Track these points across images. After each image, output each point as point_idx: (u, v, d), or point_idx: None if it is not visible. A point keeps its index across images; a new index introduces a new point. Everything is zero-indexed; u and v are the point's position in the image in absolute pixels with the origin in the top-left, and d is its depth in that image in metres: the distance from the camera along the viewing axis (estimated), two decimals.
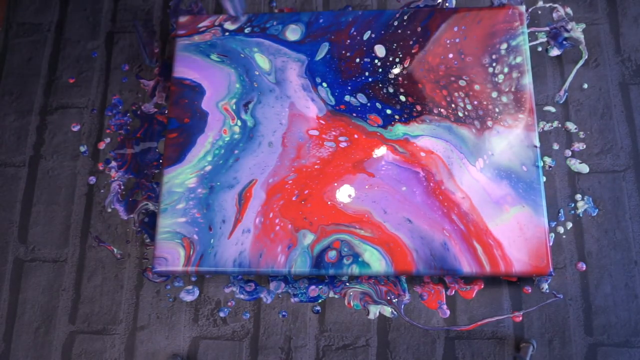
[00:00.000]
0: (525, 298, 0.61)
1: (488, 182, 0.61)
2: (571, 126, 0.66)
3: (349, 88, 0.66)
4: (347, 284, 0.62)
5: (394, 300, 0.61)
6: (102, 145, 0.70)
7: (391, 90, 0.65)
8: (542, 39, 0.70)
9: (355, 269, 0.59)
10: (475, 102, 0.64)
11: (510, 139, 0.62)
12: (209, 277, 0.64)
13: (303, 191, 0.62)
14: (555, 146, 0.66)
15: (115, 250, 0.66)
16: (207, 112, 0.66)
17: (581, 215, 0.63)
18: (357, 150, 0.63)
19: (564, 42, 0.69)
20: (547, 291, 0.61)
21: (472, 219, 0.60)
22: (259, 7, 0.74)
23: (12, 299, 0.65)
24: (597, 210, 0.63)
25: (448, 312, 0.61)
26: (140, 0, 0.76)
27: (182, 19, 0.70)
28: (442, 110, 0.64)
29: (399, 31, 0.67)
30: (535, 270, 0.58)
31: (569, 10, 0.70)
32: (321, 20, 0.69)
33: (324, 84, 0.66)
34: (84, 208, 0.67)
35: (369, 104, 0.65)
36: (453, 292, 0.61)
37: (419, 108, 0.64)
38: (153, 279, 0.64)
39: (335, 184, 0.62)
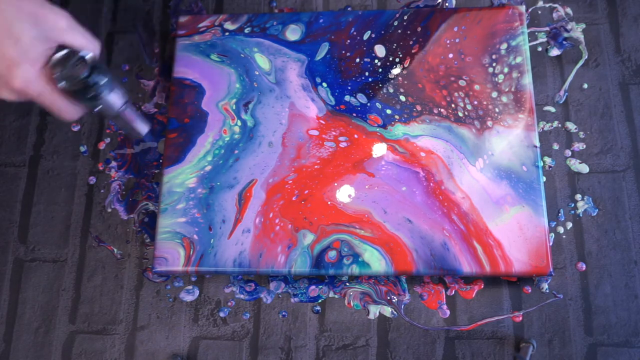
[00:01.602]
0: (525, 298, 0.61)
1: (488, 182, 0.61)
2: (571, 126, 0.66)
3: (349, 88, 0.66)
4: (347, 284, 0.62)
5: (394, 300, 0.62)
6: (102, 145, 0.70)
7: (391, 90, 0.65)
8: (542, 39, 0.70)
9: (355, 269, 0.59)
10: (475, 102, 0.64)
11: (510, 139, 0.62)
12: (209, 277, 0.64)
13: (303, 191, 0.62)
14: (555, 146, 0.66)
15: (115, 250, 0.66)
16: (207, 112, 0.66)
17: (581, 215, 0.63)
18: (357, 150, 0.63)
19: (564, 42, 0.69)
20: (547, 291, 0.61)
21: (472, 219, 0.60)
22: (259, 7, 0.74)
23: (12, 299, 0.65)
24: (597, 210, 0.63)
25: (448, 312, 0.61)
26: (141, 0, 0.76)
27: (182, 19, 0.70)
28: (442, 110, 0.64)
29: (399, 31, 0.67)
30: (535, 270, 0.58)
31: (569, 10, 0.70)
32: (321, 20, 0.69)
33: (324, 84, 0.66)
34: (84, 208, 0.67)
35: (369, 104, 0.65)
36: (453, 292, 0.61)
37: (419, 108, 0.64)
38: (153, 279, 0.64)
39: (335, 184, 0.62)
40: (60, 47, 0.46)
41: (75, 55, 0.46)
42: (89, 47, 0.47)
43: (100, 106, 0.48)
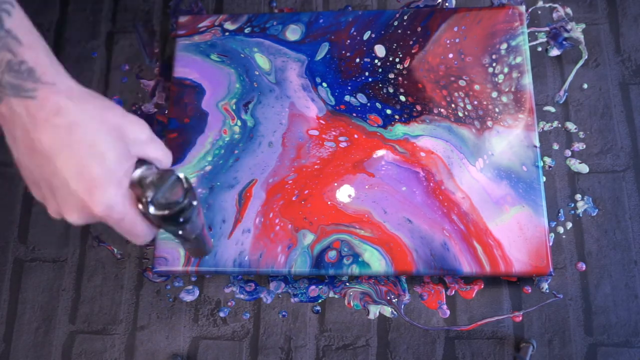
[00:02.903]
0: (525, 298, 0.61)
1: (488, 182, 0.61)
2: (571, 126, 0.66)
3: (349, 88, 0.66)
4: (347, 284, 0.62)
5: (394, 300, 0.61)
6: None
7: (391, 90, 0.65)
8: (542, 39, 0.70)
9: (355, 269, 0.59)
10: (475, 102, 0.64)
11: (510, 139, 0.62)
12: (209, 277, 0.64)
13: (303, 191, 0.62)
14: (555, 146, 0.66)
15: (115, 250, 0.66)
16: (207, 112, 0.66)
17: (581, 215, 0.63)
18: (357, 150, 0.63)
19: (564, 42, 0.69)
20: (547, 291, 0.61)
21: (472, 219, 0.60)
22: (259, 7, 0.74)
23: (12, 299, 0.65)
24: (597, 210, 0.63)
25: (448, 312, 0.61)
26: (140, 0, 0.76)
27: (182, 19, 0.70)
28: (442, 110, 0.64)
29: (399, 31, 0.67)
30: (535, 270, 0.58)
31: (569, 10, 0.70)
32: (321, 20, 0.69)
33: (324, 84, 0.66)
34: None
35: (369, 104, 0.65)
36: (453, 292, 0.61)
37: (419, 108, 0.64)
38: (153, 279, 0.64)
39: (335, 184, 0.62)
40: (139, 162, 0.39)
41: (170, 176, 0.38)
42: (166, 159, 0.41)
43: (186, 229, 0.40)
